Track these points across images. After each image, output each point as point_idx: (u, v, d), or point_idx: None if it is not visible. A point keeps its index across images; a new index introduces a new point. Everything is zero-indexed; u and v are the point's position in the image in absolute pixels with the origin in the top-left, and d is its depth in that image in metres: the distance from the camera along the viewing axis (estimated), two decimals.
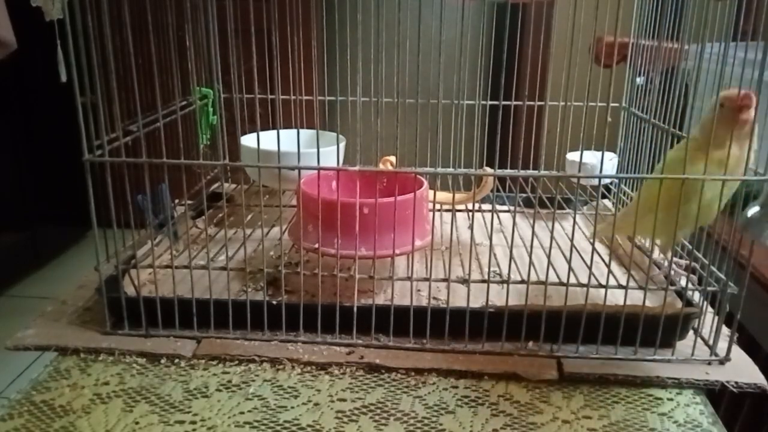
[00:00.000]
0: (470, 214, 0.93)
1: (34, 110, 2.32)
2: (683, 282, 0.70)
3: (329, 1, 0.78)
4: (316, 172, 0.67)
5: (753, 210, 0.51)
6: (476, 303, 0.66)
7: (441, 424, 0.56)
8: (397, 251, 0.69)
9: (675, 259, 0.72)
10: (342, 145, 0.89)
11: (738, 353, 0.66)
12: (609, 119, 0.63)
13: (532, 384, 0.62)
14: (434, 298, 0.72)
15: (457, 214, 0.92)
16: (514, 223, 0.65)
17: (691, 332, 0.68)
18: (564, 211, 0.97)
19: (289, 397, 0.60)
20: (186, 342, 0.67)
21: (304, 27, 0.83)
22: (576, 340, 0.65)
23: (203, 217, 0.90)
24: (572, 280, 0.66)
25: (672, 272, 0.72)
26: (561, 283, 0.66)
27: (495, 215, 0.87)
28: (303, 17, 0.83)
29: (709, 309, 0.68)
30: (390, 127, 0.63)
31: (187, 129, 0.89)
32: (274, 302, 0.67)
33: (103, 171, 0.62)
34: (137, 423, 0.56)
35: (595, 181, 0.87)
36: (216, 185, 0.99)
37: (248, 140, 0.88)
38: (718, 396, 0.62)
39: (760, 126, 0.59)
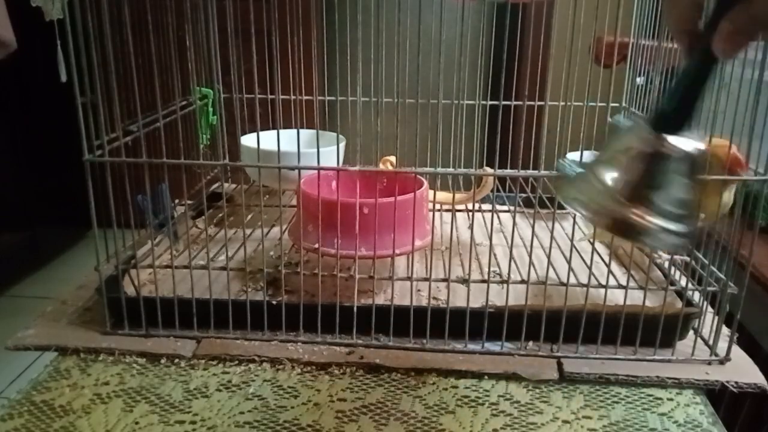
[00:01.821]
0: (470, 214, 0.93)
1: (34, 110, 2.32)
2: (683, 281, 0.70)
3: (329, 1, 0.78)
4: (316, 172, 0.67)
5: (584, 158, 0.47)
6: (476, 303, 0.66)
7: (441, 424, 0.56)
8: (397, 251, 0.69)
9: (675, 257, 0.72)
10: (342, 145, 0.89)
11: (738, 353, 0.66)
12: (609, 119, 0.63)
13: (532, 384, 0.62)
14: (434, 298, 0.72)
15: (457, 214, 0.92)
16: (514, 223, 0.65)
17: (691, 332, 0.68)
18: (564, 211, 0.97)
19: (289, 397, 0.60)
20: (186, 342, 0.67)
21: (304, 27, 0.83)
22: (576, 340, 0.65)
23: (203, 217, 0.90)
24: (572, 280, 0.66)
25: (672, 270, 0.72)
26: (561, 283, 0.66)
27: (495, 215, 0.87)
28: (303, 17, 0.83)
29: (709, 309, 0.68)
30: (390, 127, 0.63)
31: (187, 129, 0.89)
32: (274, 302, 0.67)
33: (103, 171, 0.62)
34: (137, 423, 0.56)
35: None
36: (216, 185, 0.99)
37: (248, 140, 0.88)
38: (718, 396, 0.62)
39: (759, 126, 0.59)
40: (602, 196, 0.40)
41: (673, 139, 0.39)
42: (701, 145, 0.40)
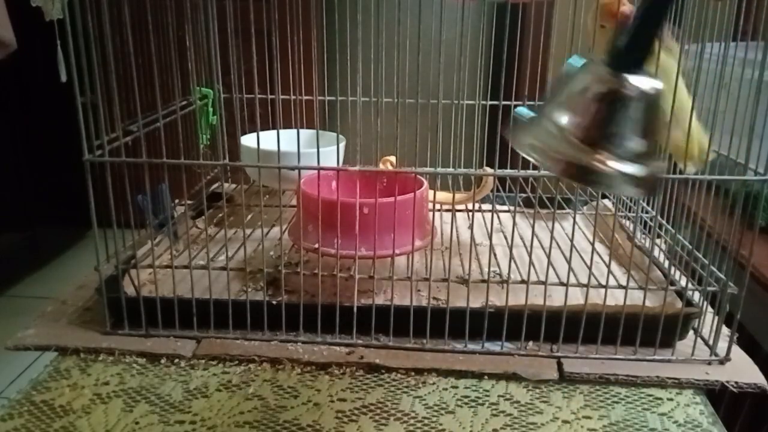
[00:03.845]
0: (470, 214, 0.93)
1: (34, 110, 2.32)
2: (683, 281, 0.70)
3: (329, 1, 0.78)
4: (316, 172, 0.67)
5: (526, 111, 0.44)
6: (476, 303, 0.66)
7: (441, 424, 0.56)
8: (397, 251, 0.69)
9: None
10: (342, 145, 0.89)
11: (738, 353, 0.66)
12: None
13: (532, 384, 0.62)
14: (434, 298, 0.72)
15: (457, 214, 0.92)
16: (514, 223, 0.65)
17: (691, 332, 0.68)
18: (564, 211, 0.97)
19: (289, 397, 0.60)
20: (186, 342, 0.67)
21: (304, 27, 0.83)
22: (576, 340, 0.65)
23: (203, 217, 0.90)
24: (572, 280, 0.66)
25: (672, 270, 0.72)
26: (561, 283, 0.66)
27: (495, 215, 0.87)
28: (303, 17, 0.83)
29: (709, 309, 0.68)
30: (390, 127, 0.63)
31: (187, 129, 0.89)
32: (274, 302, 0.67)
33: (103, 171, 0.62)
34: (137, 423, 0.56)
35: None
36: (216, 185, 0.99)
37: (248, 140, 0.88)
38: (718, 396, 0.62)
39: (759, 126, 0.59)
40: (559, 141, 0.38)
41: (630, 78, 0.37)
42: (659, 84, 0.38)
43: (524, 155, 0.39)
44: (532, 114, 0.41)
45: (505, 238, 0.87)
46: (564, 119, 0.38)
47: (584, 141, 0.38)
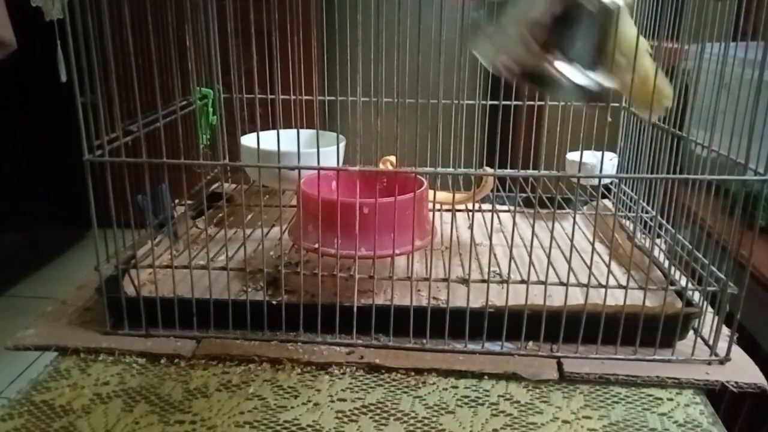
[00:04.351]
0: (470, 214, 0.93)
1: (34, 110, 2.32)
2: (683, 281, 0.70)
3: (329, 1, 0.78)
4: (316, 172, 0.67)
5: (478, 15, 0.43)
6: (476, 303, 0.66)
7: (441, 424, 0.56)
8: (397, 251, 0.69)
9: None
10: (342, 145, 0.89)
11: (738, 353, 0.66)
12: (609, 119, 0.63)
13: (532, 384, 0.62)
14: (434, 298, 0.72)
15: (457, 214, 0.92)
16: (514, 223, 0.65)
17: (691, 332, 0.68)
18: (564, 211, 0.97)
19: (289, 397, 0.60)
20: (186, 342, 0.67)
21: (304, 27, 0.83)
22: (576, 340, 0.65)
23: (203, 217, 0.90)
24: (572, 280, 0.66)
25: (672, 270, 0.72)
26: (561, 283, 0.66)
27: (495, 215, 0.87)
28: (303, 17, 0.84)
29: (709, 309, 0.68)
30: (390, 127, 0.63)
31: (187, 129, 0.89)
32: (274, 302, 0.67)
33: (103, 171, 0.62)
34: (137, 423, 0.56)
35: (595, 181, 0.87)
36: (216, 185, 0.99)
37: (248, 140, 0.88)
38: (718, 396, 0.62)
39: (759, 126, 0.59)
40: (516, 43, 0.39)
41: None
42: (620, 1, 0.38)
43: (479, 57, 0.39)
44: (487, 15, 0.41)
45: (505, 238, 0.87)
46: (524, 22, 0.39)
47: (540, 43, 0.38)
